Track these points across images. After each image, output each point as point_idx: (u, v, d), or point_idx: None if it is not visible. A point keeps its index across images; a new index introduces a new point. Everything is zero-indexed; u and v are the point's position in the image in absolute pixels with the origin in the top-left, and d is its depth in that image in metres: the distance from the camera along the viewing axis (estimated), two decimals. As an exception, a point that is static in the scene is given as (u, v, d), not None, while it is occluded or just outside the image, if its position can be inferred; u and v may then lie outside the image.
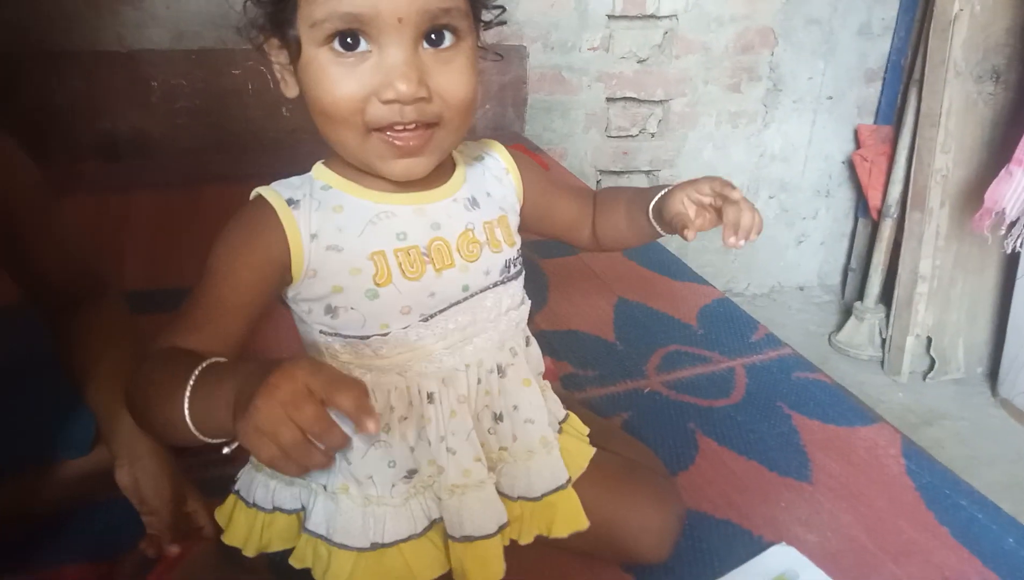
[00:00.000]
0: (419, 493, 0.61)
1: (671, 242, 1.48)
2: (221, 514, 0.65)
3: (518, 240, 0.64)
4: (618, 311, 1.15)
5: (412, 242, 0.57)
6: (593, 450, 0.70)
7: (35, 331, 0.76)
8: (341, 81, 0.51)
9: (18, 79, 1.49)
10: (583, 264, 1.28)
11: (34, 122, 1.52)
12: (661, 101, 1.97)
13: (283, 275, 0.56)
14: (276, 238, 0.55)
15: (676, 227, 0.62)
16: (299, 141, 1.65)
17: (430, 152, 0.54)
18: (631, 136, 1.99)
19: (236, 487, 0.65)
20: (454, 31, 0.53)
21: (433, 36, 0.52)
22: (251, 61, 1.58)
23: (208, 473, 0.79)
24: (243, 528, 0.63)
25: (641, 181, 2.05)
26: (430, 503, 0.62)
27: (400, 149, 0.53)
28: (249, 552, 0.62)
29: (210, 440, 0.48)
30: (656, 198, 0.66)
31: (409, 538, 0.60)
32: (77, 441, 0.73)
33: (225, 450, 0.47)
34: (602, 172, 2.00)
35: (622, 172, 2.02)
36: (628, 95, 1.93)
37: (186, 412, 0.48)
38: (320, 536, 0.60)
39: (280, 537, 0.62)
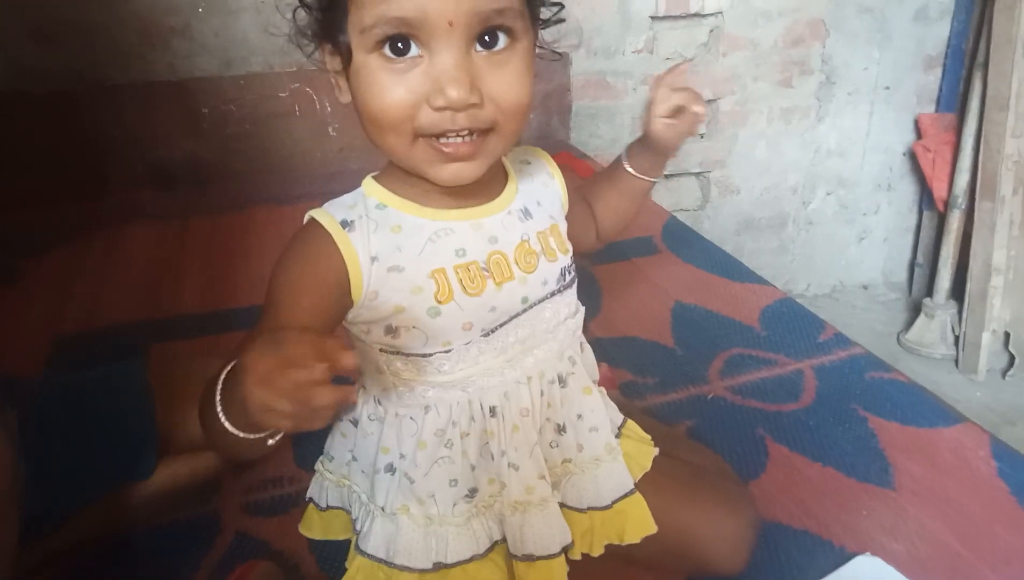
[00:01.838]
0: (481, 513, 0.60)
1: (727, 244, 1.44)
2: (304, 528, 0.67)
3: (570, 247, 0.63)
4: (675, 315, 1.12)
5: (471, 258, 0.56)
6: (655, 449, 0.68)
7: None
8: (391, 87, 0.50)
9: (77, 114, 1.54)
10: (635, 268, 1.25)
11: (93, 154, 1.56)
12: (709, 101, 1.92)
13: (344, 300, 0.55)
14: (334, 264, 0.53)
15: (654, 128, 0.66)
16: (346, 160, 1.66)
17: (481, 157, 0.53)
18: (680, 138, 1.95)
19: (308, 495, 0.68)
20: (508, 32, 0.51)
21: (487, 38, 0.50)
22: (297, 84, 1.60)
23: (266, 493, 0.79)
24: (319, 531, 0.65)
25: (692, 183, 2.01)
26: (492, 524, 0.60)
27: (449, 155, 0.51)
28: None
29: (252, 436, 0.47)
30: (625, 153, 0.71)
31: (472, 558, 0.59)
32: (141, 465, 0.73)
33: (270, 442, 0.47)
34: (651, 176, 1.97)
35: (671, 175, 1.98)
36: (675, 96, 1.89)
37: (221, 416, 0.47)
38: (379, 559, 0.58)
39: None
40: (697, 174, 2.00)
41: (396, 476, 0.59)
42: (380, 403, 0.60)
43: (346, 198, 0.57)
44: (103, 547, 0.73)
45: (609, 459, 0.64)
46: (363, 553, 0.59)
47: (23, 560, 0.62)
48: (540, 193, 0.63)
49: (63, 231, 1.43)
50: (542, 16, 0.56)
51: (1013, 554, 0.70)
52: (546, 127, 1.80)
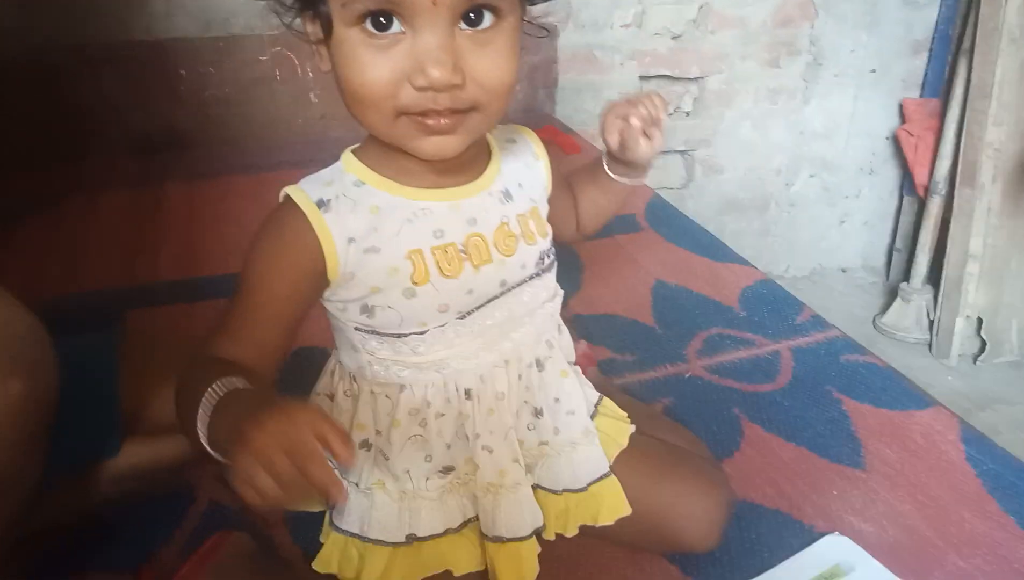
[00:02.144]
0: (455, 490, 0.60)
1: (709, 223, 1.44)
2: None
3: (550, 231, 0.62)
4: (656, 294, 1.12)
5: (449, 239, 0.55)
6: (631, 426, 0.68)
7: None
8: (372, 64, 0.48)
9: (52, 78, 1.50)
10: (618, 246, 1.25)
11: (67, 119, 1.52)
12: (696, 78, 1.91)
13: (319, 281, 0.54)
14: (309, 246, 0.53)
15: (609, 134, 0.65)
16: (328, 127, 1.63)
17: (463, 132, 0.51)
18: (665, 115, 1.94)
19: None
20: (494, 10, 0.49)
21: (471, 16, 0.49)
22: (279, 47, 1.57)
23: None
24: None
25: (676, 162, 2.00)
26: (466, 502, 0.60)
27: (430, 128, 0.50)
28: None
29: (218, 457, 0.47)
30: (603, 158, 0.70)
31: (445, 532, 0.59)
32: (107, 443, 0.71)
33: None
34: (636, 154, 1.96)
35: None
36: (662, 73, 1.88)
37: (199, 427, 0.47)
38: (352, 534, 0.58)
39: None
40: (682, 152, 1.99)
41: (371, 452, 0.59)
42: (355, 380, 0.59)
43: (324, 173, 0.56)
44: (68, 531, 0.72)
45: (585, 442, 0.64)
46: (337, 529, 0.59)
47: None
48: (523, 174, 0.62)
49: (37, 197, 1.39)
50: None
51: (978, 538, 0.71)
52: (531, 100, 1.78)
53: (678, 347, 0.99)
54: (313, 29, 0.51)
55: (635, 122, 0.63)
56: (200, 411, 0.46)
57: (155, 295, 1.11)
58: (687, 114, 1.95)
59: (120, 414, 0.71)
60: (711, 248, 1.25)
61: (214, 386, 0.47)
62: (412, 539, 0.59)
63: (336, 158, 0.58)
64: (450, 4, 0.47)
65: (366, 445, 0.59)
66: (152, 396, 0.73)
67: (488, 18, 0.49)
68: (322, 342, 0.98)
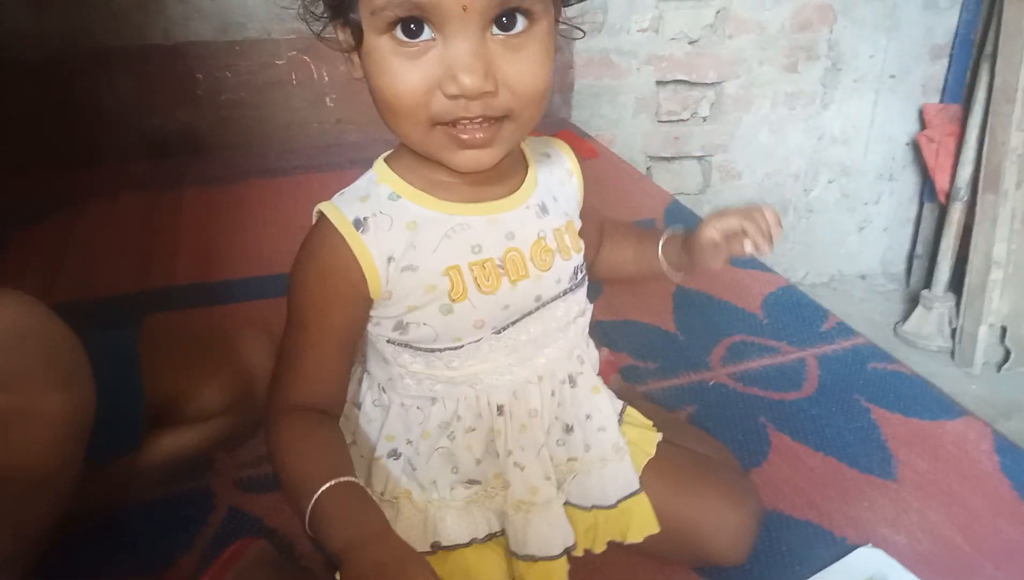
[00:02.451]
0: (481, 502, 0.59)
1: (728, 229, 1.42)
2: None
3: (583, 246, 0.60)
4: (677, 300, 1.10)
5: (487, 255, 0.54)
6: (658, 434, 0.67)
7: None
8: (403, 73, 0.47)
9: (69, 81, 1.50)
10: (638, 252, 1.23)
11: (85, 122, 1.53)
12: (713, 83, 1.89)
13: (367, 302, 0.54)
14: (352, 271, 0.52)
15: (704, 256, 0.62)
16: (343, 131, 1.63)
17: (498, 144, 0.50)
18: (682, 120, 1.92)
19: None
20: (527, 13, 0.47)
21: (504, 19, 0.47)
22: (295, 51, 1.57)
23: (261, 469, 0.78)
24: None
25: (693, 167, 1.99)
26: (492, 515, 0.59)
27: (465, 142, 0.49)
28: None
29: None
30: (666, 236, 0.66)
31: (471, 542, 0.58)
32: (127, 438, 0.72)
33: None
34: (652, 158, 1.94)
35: (673, 158, 1.96)
36: (679, 78, 1.87)
37: (307, 518, 0.50)
38: None
39: None
40: (699, 158, 1.98)
41: (400, 462, 0.58)
42: (384, 391, 0.58)
43: (358, 187, 0.55)
44: (93, 522, 0.72)
45: (616, 459, 0.62)
46: None
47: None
48: (557, 189, 0.60)
49: (54, 201, 1.40)
50: None
51: (1015, 548, 0.69)
52: (548, 105, 1.75)
53: (701, 354, 0.98)
54: (344, 37, 0.50)
55: (748, 248, 0.60)
56: (313, 506, 0.50)
57: (172, 299, 1.11)
58: (704, 119, 1.93)
59: (141, 409, 0.71)
60: (732, 253, 1.23)
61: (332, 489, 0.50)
62: (437, 547, 0.58)
63: (352, 163, 0.57)
64: (481, 9, 0.45)
65: (394, 454, 0.58)
66: (173, 390, 0.74)
67: (521, 22, 0.47)
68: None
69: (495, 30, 0.47)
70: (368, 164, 0.57)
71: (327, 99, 1.61)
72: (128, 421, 0.71)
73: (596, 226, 0.67)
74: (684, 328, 1.04)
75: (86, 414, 0.58)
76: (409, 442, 0.58)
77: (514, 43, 0.48)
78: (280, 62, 1.57)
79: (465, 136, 0.48)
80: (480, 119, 0.48)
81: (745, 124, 1.95)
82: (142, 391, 0.72)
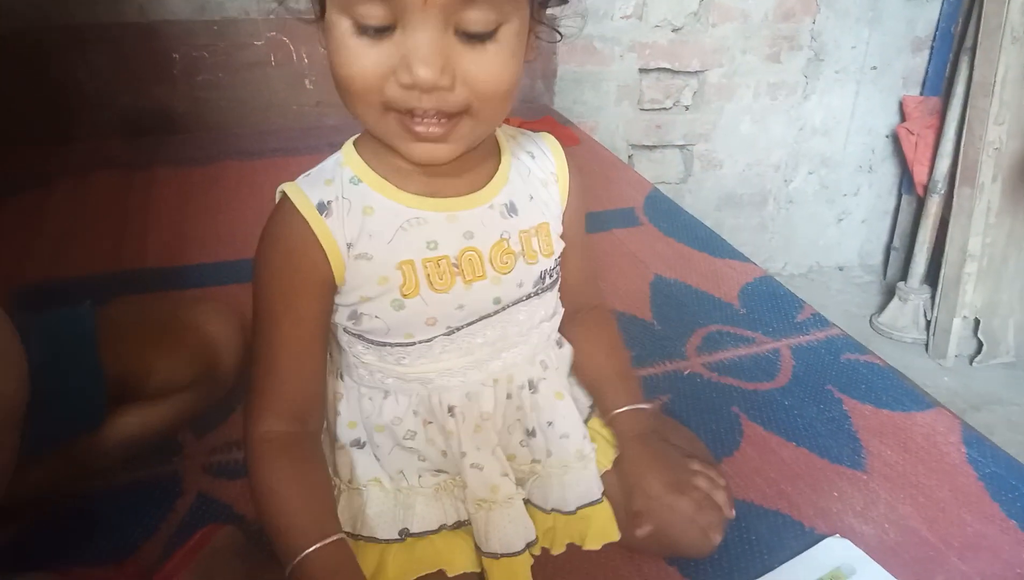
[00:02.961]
0: (450, 491, 0.59)
1: (707, 219, 1.42)
2: None
3: (558, 248, 0.59)
4: (655, 289, 1.10)
5: (442, 252, 0.53)
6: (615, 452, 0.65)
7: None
8: (359, 55, 0.46)
9: (41, 56, 1.47)
10: (616, 240, 1.23)
11: (57, 98, 1.50)
12: (696, 72, 1.89)
13: (332, 289, 0.53)
14: (316, 255, 0.51)
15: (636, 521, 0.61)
16: (323, 115, 1.61)
17: (455, 140, 0.49)
18: (664, 109, 1.92)
19: None
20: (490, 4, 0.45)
21: (468, 23, 0.45)
22: (274, 32, 1.54)
23: (230, 455, 0.77)
24: None
25: (675, 156, 1.99)
26: (461, 504, 0.59)
27: (419, 134, 0.48)
28: None
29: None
30: (623, 409, 0.64)
31: (440, 529, 0.57)
32: (89, 416, 0.70)
33: None
34: (634, 146, 1.94)
35: (655, 146, 1.95)
36: (662, 66, 1.86)
37: (288, 570, 0.51)
38: (344, 533, 0.57)
39: None
40: (681, 147, 1.98)
41: (365, 451, 0.57)
42: (342, 378, 0.58)
43: (325, 168, 0.54)
44: (59, 507, 0.71)
45: (579, 467, 0.61)
46: None
47: None
48: (536, 188, 0.58)
49: (24, 178, 1.37)
50: None
51: (980, 541, 0.70)
52: (529, 91, 1.76)
53: (677, 344, 0.98)
54: (310, 7, 0.49)
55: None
56: (297, 564, 0.50)
57: (143, 281, 1.09)
58: (686, 108, 1.93)
59: (103, 385, 0.69)
60: (710, 243, 1.23)
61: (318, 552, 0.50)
62: (405, 534, 0.57)
63: (331, 146, 0.56)
64: (443, 5, 0.44)
65: (359, 444, 0.58)
66: (134, 366, 0.72)
67: (485, 23, 0.45)
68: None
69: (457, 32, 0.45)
70: (345, 147, 0.56)
71: (306, 81, 1.59)
72: (89, 398, 0.69)
73: (575, 277, 0.64)
74: (661, 317, 1.04)
75: (13, 399, 0.55)
76: (371, 430, 0.57)
77: (478, 40, 0.46)
78: (259, 43, 1.55)
79: (419, 128, 0.47)
80: (435, 113, 0.46)
81: (727, 113, 1.96)
82: (101, 367, 0.70)
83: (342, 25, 0.45)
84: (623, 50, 1.82)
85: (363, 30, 0.45)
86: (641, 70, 1.86)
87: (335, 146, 0.57)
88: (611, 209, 1.31)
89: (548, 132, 0.64)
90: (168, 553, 0.64)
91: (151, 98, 1.55)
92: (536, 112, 1.67)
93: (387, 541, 0.57)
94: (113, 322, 0.74)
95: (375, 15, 0.44)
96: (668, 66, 1.87)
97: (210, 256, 1.15)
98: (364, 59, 0.45)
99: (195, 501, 0.72)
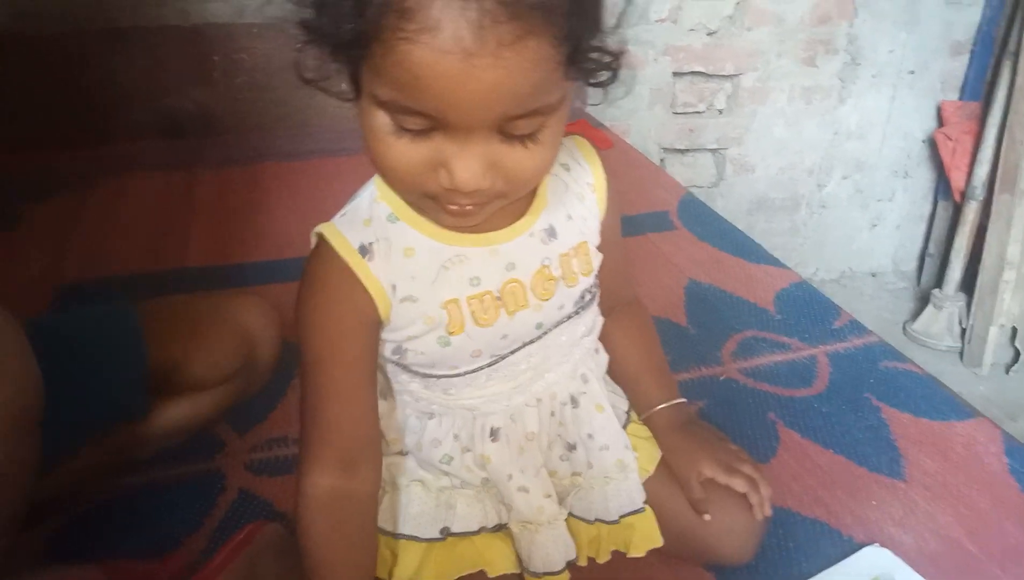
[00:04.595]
0: (492, 493, 0.59)
1: (738, 223, 1.41)
2: None
3: (596, 263, 0.57)
4: (689, 294, 1.10)
5: (485, 287, 0.52)
6: (658, 453, 0.66)
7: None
8: (398, 153, 0.43)
9: (84, 58, 1.50)
10: (650, 244, 1.23)
11: (99, 100, 1.52)
12: (731, 76, 1.88)
13: (378, 327, 0.52)
14: (361, 299, 0.50)
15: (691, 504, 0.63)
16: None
17: (484, 213, 0.47)
18: (698, 112, 1.91)
19: None
20: (539, 112, 0.43)
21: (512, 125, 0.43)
22: (312, 35, 1.56)
23: (271, 452, 0.79)
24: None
25: (707, 160, 1.98)
26: (502, 507, 0.60)
27: (451, 212, 0.46)
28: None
29: None
30: (660, 406, 0.66)
31: (480, 530, 0.58)
32: (134, 405, 0.71)
33: None
34: (666, 150, 1.93)
35: (687, 150, 1.95)
36: (696, 69, 1.85)
37: None
38: (386, 532, 0.58)
39: None
40: (713, 151, 1.97)
41: (409, 458, 0.59)
42: (386, 398, 0.58)
43: (360, 207, 0.51)
44: (104, 500, 0.72)
45: (619, 477, 0.62)
46: None
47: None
48: (573, 206, 0.56)
49: (66, 178, 1.40)
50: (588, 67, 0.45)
51: (1022, 551, 0.69)
52: (563, 94, 1.75)
53: (712, 349, 0.98)
54: (341, 78, 0.45)
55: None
56: None
57: (183, 281, 1.11)
58: (720, 112, 1.92)
59: (147, 376, 0.70)
60: (745, 248, 1.23)
61: None
62: (447, 534, 0.58)
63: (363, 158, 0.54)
64: (491, 125, 0.41)
65: (400, 453, 0.59)
66: (173, 359, 0.73)
67: (531, 124, 0.43)
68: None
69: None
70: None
71: (343, 84, 1.60)
72: (132, 390, 0.71)
73: (609, 282, 0.63)
74: (695, 322, 1.04)
75: (25, 405, 0.55)
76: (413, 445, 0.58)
77: (518, 140, 0.43)
78: (297, 45, 1.57)
79: (453, 208, 0.46)
80: (469, 201, 0.45)
81: (760, 117, 1.94)
82: (145, 359, 0.71)
83: (380, 118, 0.42)
84: (657, 53, 1.81)
85: (403, 130, 0.42)
86: (675, 74, 1.85)
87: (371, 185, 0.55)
88: (645, 213, 1.31)
89: (580, 134, 0.62)
90: (211, 548, 0.65)
91: (191, 100, 1.58)
92: (569, 116, 1.67)
93: (428, 540, 0.58)
94: (154, 316, 0.76)
95: (417, 122, 0.42)
96: (702, 70, 1.86)
97: (249, 255, 1.17)
98: (404, 157, 0.43)
99: (237, 497, 0.74)
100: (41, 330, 0.67)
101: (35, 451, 0.58)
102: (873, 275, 2.23)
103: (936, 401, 0.89)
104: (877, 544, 0.70)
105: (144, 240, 1.23)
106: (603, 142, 1.55)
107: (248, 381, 0.81)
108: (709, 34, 1.82)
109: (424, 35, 0.38)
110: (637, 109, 1.86)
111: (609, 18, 0.45)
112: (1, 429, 0.53)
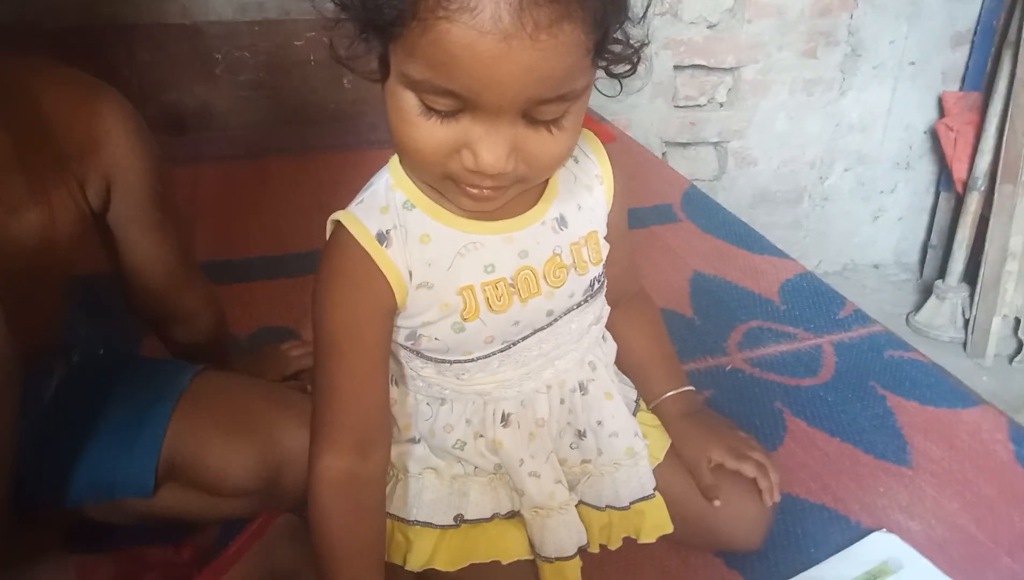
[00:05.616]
0: (505, 481, 0.60)
1: (740, 216, 1.42)
2: None
3: (605, 253, 0.58)
4: (694, 285, 1.11)
5: (499, 274, 0.52)
6: (668, 440, 0.67)
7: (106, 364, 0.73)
8: (425, 133, 0.43)
9: (88, 51, 1.50)
10: (655, 236, 1.23)
11: (103, 96, 1.53)
12: (731, 69, 1.88)
13: (394, 313, 0.53)
14: (379, 286, 0.50)
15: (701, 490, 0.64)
16: (361, 113, 1.63)
17: (504, 196, 0.48)
18: (699, 106, 1.91)
19: None
20: (564, 98, 0.43)
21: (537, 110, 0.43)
22: (313, 32, 1.56)
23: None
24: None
25: (709, 153, 1.98)
26: (515, 494, 0.60)
27: (470, 193, 0.47)
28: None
29: None
30: (669, 394, 0.67)
31: (493, 517, 0.59)
32: (141, 480, 0.66)
33: None
34: (668, 143, 1.94)
35: (689, 144, 1.95)
36: (697, 62, 1.85)
37: None
38: (399, 519, 0.58)
39: None
40: (715, 144, 1.97)
41: (421, 445, 0.59)
42: (398, 385, 0.58)
43: (377, 194, 0.52)
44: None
45: (629, 464, 0.62)
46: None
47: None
48: (583, 196, 0.57)
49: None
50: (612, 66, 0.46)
51: (1030, 539, 0.70)
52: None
53: (718, 339, 0.98)
54: (368, 59, 0.45)
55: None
56: None
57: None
58: (721, 105, 1.92)
59: (157, 459, 0.66)
60: (749, 240, 1.23)
61: None
62: (460, 520, 0.59)
63: (368, 143, 0.55)
64: (519, 107, 0.42)
65: (415, 440, 0.59)
66: (191, 456, 0.67)
67: (556, 109, 0.43)
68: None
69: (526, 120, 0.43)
70: (383, 145, 0.53)
71: (345, 80, 1.61)
72: (146, 468, 0.66)
73: (616, 269, 0.62)
74: (701, 313, 1.04)
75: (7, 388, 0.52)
76: (425, 432, 0.59)
77: (543, 125, 0.44)
78: (298, 43, 1.57)
79: (474, 191, 0.46)
80: (490, 184, 0.46)
81: (762, 110, 1.94)
82: (160, 443, 0.66)
83: (408, 99, 0.43)
84: (657, 47, 1.81)
85: (431, 111, 0.43)
86: (676, 67, 1.85)
87: (372, 143, 0.56)
88: (649, 206, 1.31)
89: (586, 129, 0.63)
90: (225, 536, 0.66)
91: (194, 96, 1.58)
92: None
93: (442, 527, 0.58)
94: (193, 396, 0.69)
95: (446, 103, 0.42)
96: (703, 63, 1.86)
97: (252, 250, 1.17)
98: (430, 138, 0.43)
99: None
100: (84, 359, 0.67)
101: (10, 413, 0.54)
102: (876, 267, 2.23)
103: (942, 389, 0.89)
104: (885, 530, 0.70)
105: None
106: (606, 136, 1.55)
107: (270, 500, 0.68)
108: (710, 27, 1.82)
109: (464, 14, 0.38)
110: (638, 103, 1.86)
111: (636, 10, 0.46)
112: None
